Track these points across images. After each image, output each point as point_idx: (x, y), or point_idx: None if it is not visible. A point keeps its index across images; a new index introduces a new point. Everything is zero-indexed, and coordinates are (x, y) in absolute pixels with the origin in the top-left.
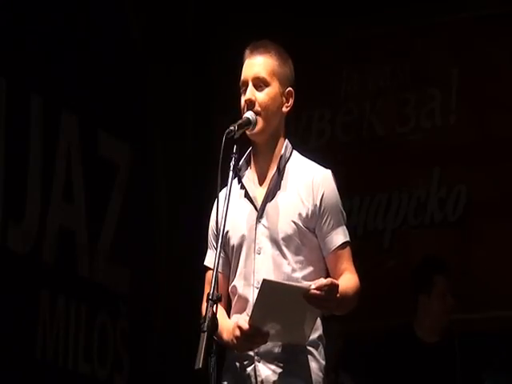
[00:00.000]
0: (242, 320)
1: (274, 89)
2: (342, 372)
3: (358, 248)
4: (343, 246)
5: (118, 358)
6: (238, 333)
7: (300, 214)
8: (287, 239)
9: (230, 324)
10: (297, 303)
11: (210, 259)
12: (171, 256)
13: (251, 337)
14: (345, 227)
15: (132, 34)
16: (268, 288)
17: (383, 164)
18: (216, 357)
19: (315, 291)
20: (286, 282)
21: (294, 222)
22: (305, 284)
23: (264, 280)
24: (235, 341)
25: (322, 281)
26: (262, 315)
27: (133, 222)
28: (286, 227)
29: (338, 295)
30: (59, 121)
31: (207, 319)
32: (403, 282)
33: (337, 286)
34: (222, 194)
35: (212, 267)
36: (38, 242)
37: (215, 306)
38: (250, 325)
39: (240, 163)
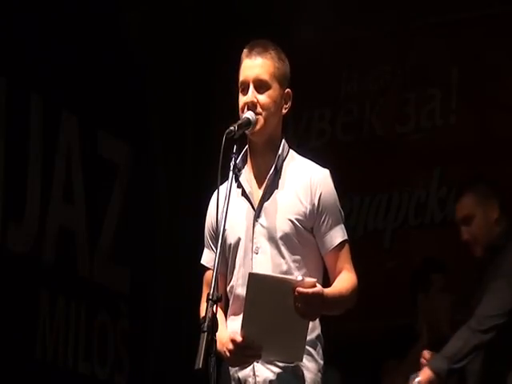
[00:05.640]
0: (237, 333)
1: (274, 91)
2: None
3: (358, 248)
4: (341, 244)
5: (117, 358)
6: (231, 346)
7: (298, 213)
8: (285, 238)
9: (225, 335)
10: (285, 297)
11: (207, 258)
12: (171, 256)
13: (244, 349)
14: (343, 226)
15: (132, 34)
16: (255, 282)
17: (383, 164)
18: (216, 357)
19: (301, 289)
20: (273, 274)
21: (292, 221)
22: (292, 276)
23: (250, 274)
24: (228, 353)
25: (311, 281)
26: (253, 316)
27: (133, 221)
28: (283, 226)
29: (328, 299)
30: (59, 121)
31: (207, 319)
32: (403, 282)
33: (319, 295)
34: (222, 194)
35: (209, 266)
36: (37, 242)
37: (215, 306)
38: (242, 336)
39: (237, 162)
